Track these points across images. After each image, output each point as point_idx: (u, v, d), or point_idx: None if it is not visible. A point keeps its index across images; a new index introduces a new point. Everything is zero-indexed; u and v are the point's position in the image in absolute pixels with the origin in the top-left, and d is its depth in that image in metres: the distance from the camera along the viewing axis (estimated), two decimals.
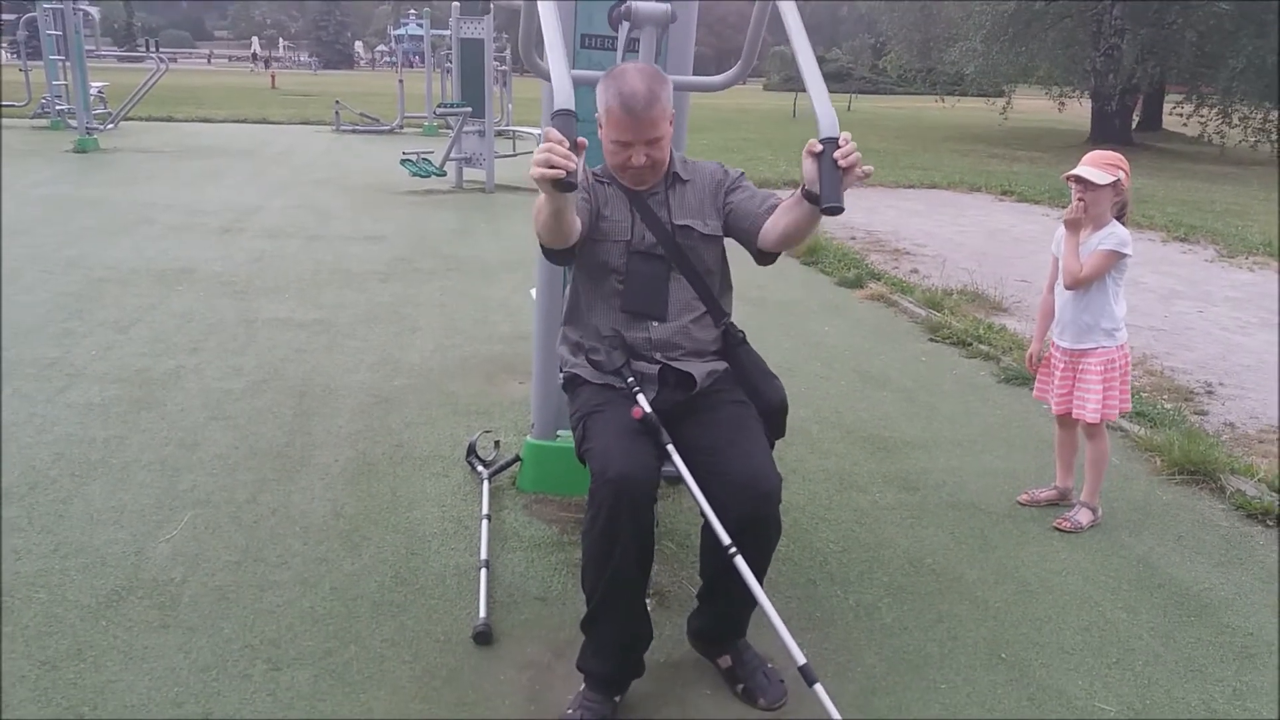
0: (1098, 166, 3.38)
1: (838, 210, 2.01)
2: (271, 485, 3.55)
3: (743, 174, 2.62)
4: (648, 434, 2.36)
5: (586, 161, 2.22)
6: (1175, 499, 3.86)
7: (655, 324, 2.52)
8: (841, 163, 2.04)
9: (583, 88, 3.40)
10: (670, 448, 2.35)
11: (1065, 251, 3.47)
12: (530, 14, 2.85)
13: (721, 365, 2.58)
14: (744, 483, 2.30)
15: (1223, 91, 20.64)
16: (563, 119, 1.99)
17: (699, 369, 2.51)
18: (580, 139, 1.97)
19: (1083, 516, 3.56)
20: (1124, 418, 4.39)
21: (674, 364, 2.50)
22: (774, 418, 2.54)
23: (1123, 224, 3.46)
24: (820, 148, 2.06)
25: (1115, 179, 3.36)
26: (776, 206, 2.43)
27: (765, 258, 2.53)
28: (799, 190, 2.22)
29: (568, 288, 2.69)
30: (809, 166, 2.11)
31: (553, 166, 1.92)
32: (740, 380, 2.57)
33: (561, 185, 1.95)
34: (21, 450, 3.72)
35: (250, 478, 3.60)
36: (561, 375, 2.67)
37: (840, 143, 2.05)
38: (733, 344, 2.61)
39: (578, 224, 2.30)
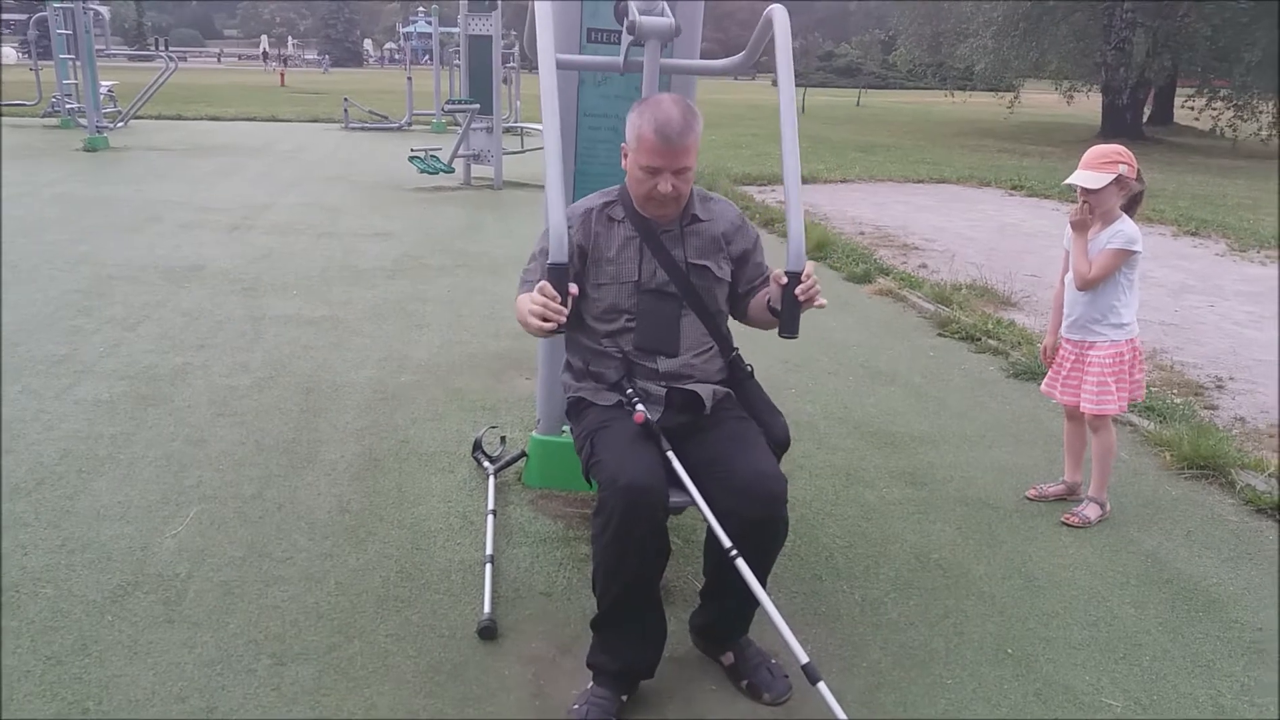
0: (1094, 168, 3.33)
1: (793, 338, 2.37)
2: (277, 481, 3.56)
3: (758, 237, 2.69)
4: (655, 442, 2.37)
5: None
6: (1184, 494, 3.83)
7: (664, 358, 2.52)
8: (801, 299, 2.30)
9: (588, 84, 3.42)
10: (670, 454, 2.35)
11: (1074, 253, 3.43)
12: (538, 11, 2.84)
13: (724, 390, 2.59)
14: (749, 487, 2.30)
15: (1237, 87, 20.51)
16: (557, 273, 2.22)
17: (705, 390, 2.52)
18: (572, 287, 2.24)
19: (1091, 511, 3.54)
20: (1134, 411, 4.36)
21: (680, 387, 2.51)
22: (776, 453, 2.53)
23: (1134, 214, 3.41)
24: (785, 280, 2.31)
25: (1115, 175, 3.31)
26: (762, 284, 2.58)
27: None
28: (769, 296, 2.44)
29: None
30: (775, 292, 2.37)
31: (547, 320, 2.16)
32: (746, 412, 2.59)
33: (554, 333, 2.21)
34: (29, 446, 3.74)
35: (256, 473, 3.61)
36: (566, 400, 2.66)
37: (802, 278, 2.29)
38: (740, 377, 2.64)
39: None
